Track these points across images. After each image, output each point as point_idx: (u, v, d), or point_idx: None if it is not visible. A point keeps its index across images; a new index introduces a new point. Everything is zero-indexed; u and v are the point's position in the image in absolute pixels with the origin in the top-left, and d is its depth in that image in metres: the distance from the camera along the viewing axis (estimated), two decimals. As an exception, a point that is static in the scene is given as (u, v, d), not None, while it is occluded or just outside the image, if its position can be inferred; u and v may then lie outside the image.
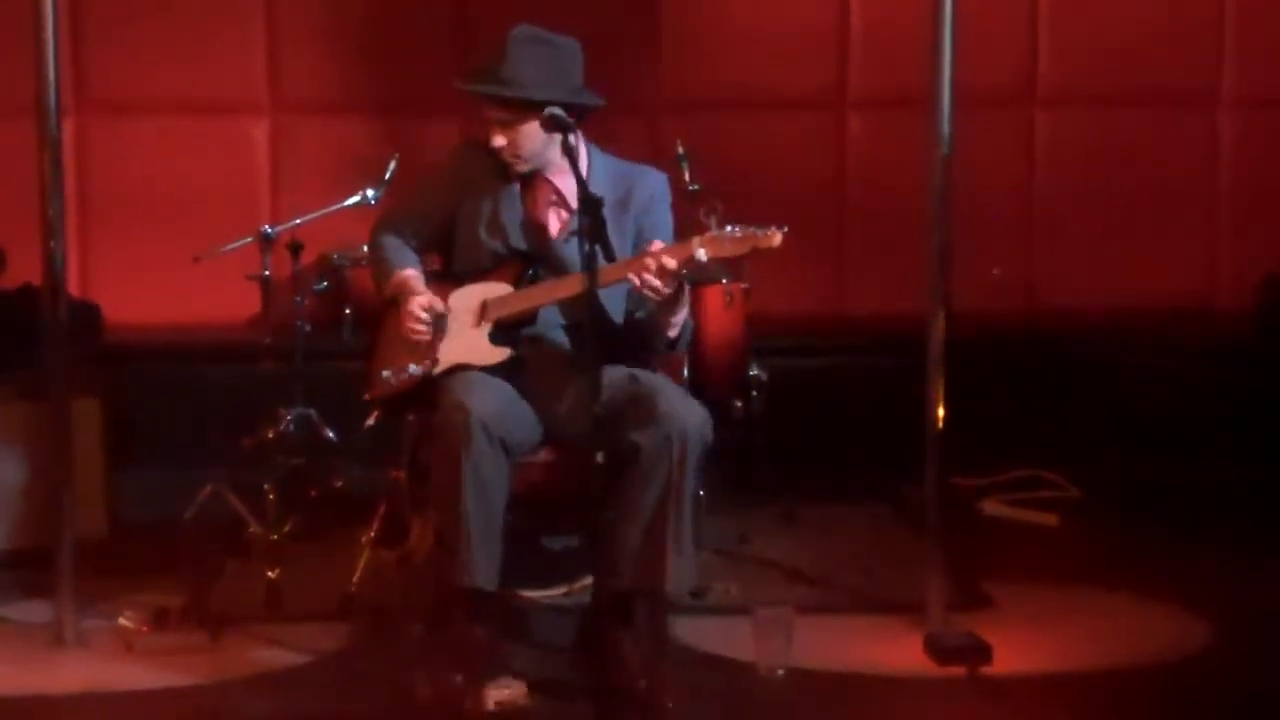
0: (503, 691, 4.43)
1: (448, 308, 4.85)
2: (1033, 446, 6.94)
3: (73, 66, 7.51)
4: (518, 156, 4.82)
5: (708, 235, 4.50)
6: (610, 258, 4.43)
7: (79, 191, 7.59)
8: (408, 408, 4.97)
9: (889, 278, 7.38)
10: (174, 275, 7.14)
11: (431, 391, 4.73)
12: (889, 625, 5.15)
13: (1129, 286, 7.89)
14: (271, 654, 4.94)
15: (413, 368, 4.84)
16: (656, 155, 6.70)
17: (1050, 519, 6.42)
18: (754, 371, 6.33)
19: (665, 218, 4.92)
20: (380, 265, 5.01)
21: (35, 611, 5.22)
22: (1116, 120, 7.98)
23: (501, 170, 4.92)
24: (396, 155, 6.43)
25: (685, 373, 5.90)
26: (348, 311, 7.20)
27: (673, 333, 4.74)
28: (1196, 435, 7.06)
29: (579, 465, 4.53)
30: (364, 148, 7.48)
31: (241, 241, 6.27)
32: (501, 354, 4.78)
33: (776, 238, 4.45)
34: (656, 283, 4.47)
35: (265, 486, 5.98)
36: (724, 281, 6.12)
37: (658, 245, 4.54)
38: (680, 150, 6.40)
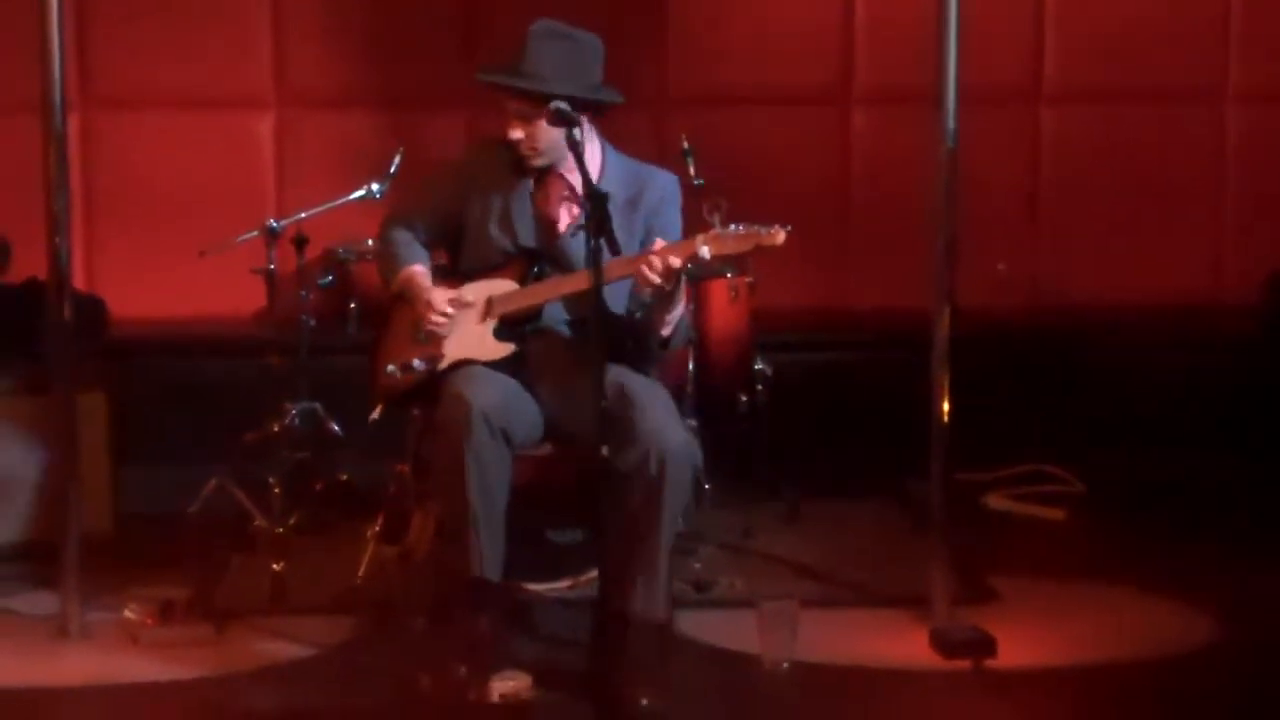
0: (507, 684, 4.43)
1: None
2: (1037, 441, 6.94)
3: (78, 62, 7.52)
4: (534, 150, 4.82)
5: (711, 233, 4.51)
6: (615, 252, 4.43)
7: (84, 186, 7.59)
8: (412, 402, 4.98)
9: (894, 273, 7.37)
10: (179, 269, 7.16)
11: (435, 386, 4.73)
12: (894, 619, 5.15)
13: (1134, 282, 7.89)
14: (276, 647, 4.95)
15: (417, 363, 4.85)
16: (661, 151, 6.72)
17: (1057, 514, 6.42)
18: (759, 366, 6.33)
19: (675, 219, 4.92)
20: (388, 260, 5.01)
21: (41, 604, 5.23)
22: (1122, 116, 7.98)
23: (514, 167, 4.92)
24: (401, 149, 6.43)
25: (690, 367, 5.91)
26: (353, 306, 7.22)
27: (666, 330, 4.74)
28: (1201, 431, 7.06)
29: (582, 459, 4.54)
30: (369, 142, 7.48)
31: (247, 236, 6.28)
32: (506, 349, 4.78)
33: (780, 236, 4.45)
34: (658, 280, 4.48)
35: (270, 480, 5.99)
36: (729, 276, 6.13)
37: (660, 243, 4.55)
38: (685, 145, 6.40)
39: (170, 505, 6.26)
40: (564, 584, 5.29)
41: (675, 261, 4.49)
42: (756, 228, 4.47)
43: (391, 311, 5.05)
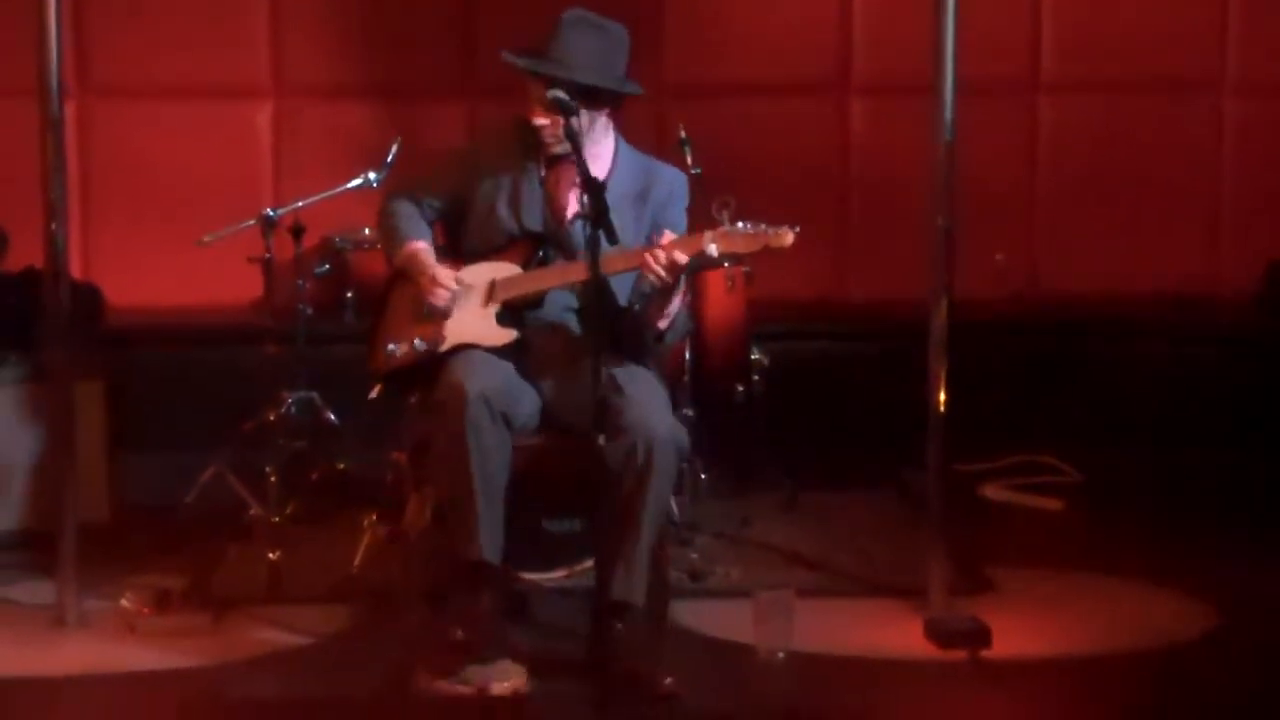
0: (504, 684, 4.43)
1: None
2: (1035, 432, 6.95)
3: (75, 49, 7.51)
4: (557, 136, 4.79)
5: (720, 230, 4.51)
6: (613, 241, 4.43)
7: (81, 174, 7.59)
8: (411, 386, 4.97)
9: (891, 263, 7.39)
10: (176, 258, 7.17)
11: (434, 369, 4.73)
12: (890, 609, 5.16)
13: (1131, 273, 7.89)
14: (273, 636, 4.95)
15: (418, 342, 4.84)
16: (659, 141, 6.72)
17: (1053, 504, 6.42)
18: (755, 356, 6.34)
19: (680, 217, 4.92)
20: (391, 232, 4.99)
21: (38, 593, 5.23)
22: (1119, 107, 7.98)
23: (525, 150, 4.91)
24: (399, 138, 6.43)
25: (687, 357, 5.91)
26: (349, 294, 7.23)
27: (663, 324, 4.74)
28: (1199, 421, 7.06)
29: (579, 448, 4.54)
30: (366, 131, 7.48)
31: (244, 224, 6.27)
32: (508, 335, 4.78)
33: (788, 237, 4.46)
34: (661, 273, 4.49)
35: (267, 469, 5.99)
36: (726, 266, 6.12)
37: (669, 236, 4.55)
38: (682, 135, 6.40)
39: (167, 494, 6.25)
40: (560, 573, 5.28)
41: (682, 258, 4.49)
42: (764, 228, 4.47)
43: (391, 289, 5.04)
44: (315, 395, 6.40)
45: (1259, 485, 6.59)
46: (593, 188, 4.37)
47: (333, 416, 6.40)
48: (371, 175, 6.25)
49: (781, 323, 7.01)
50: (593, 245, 4.32)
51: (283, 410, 6.29)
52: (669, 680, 4.42)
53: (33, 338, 5.71)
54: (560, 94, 4.63)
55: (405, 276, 4.95)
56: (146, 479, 6.32)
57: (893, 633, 4.96)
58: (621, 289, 4.79)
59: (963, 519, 5.34)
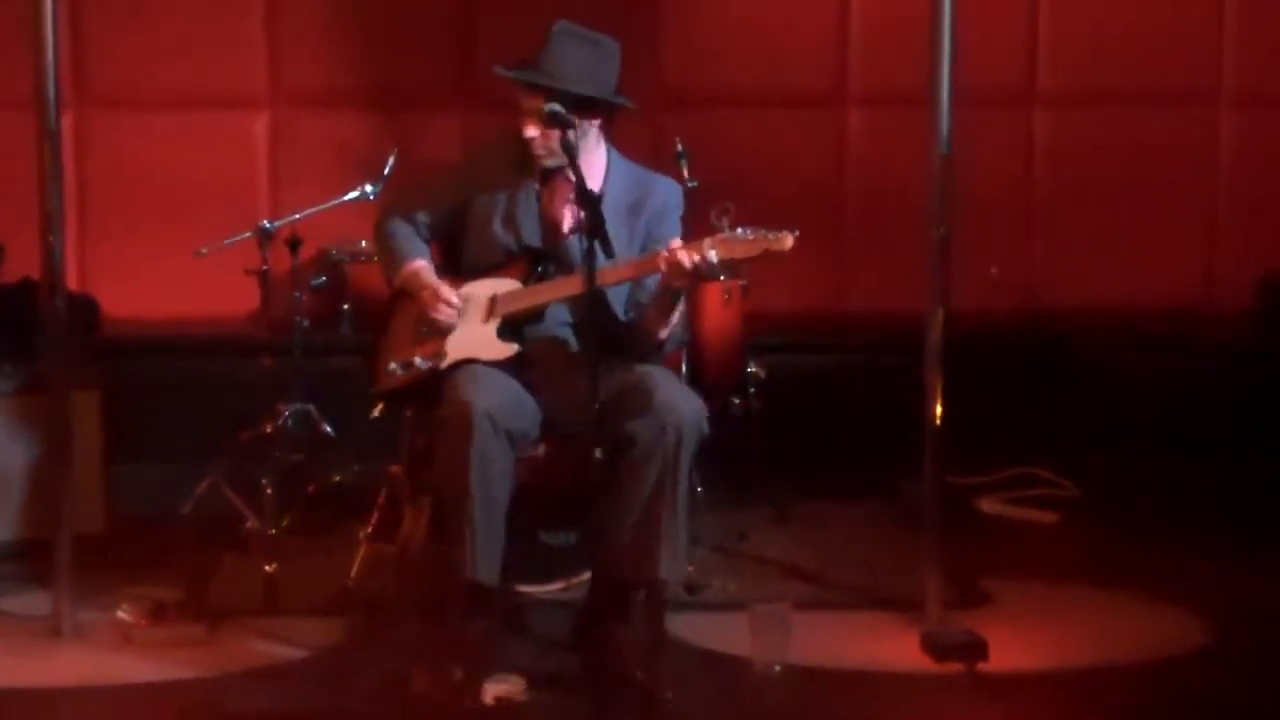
0: (501, 686, 4.43)
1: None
2: (1031, 444, 6.95)
3: (72, 60, 7.50)
4: (548, 149, 4.80)
5: (719, 237, 4.52)
6: (609, 254, 4.43)
7: (78, 185, 7.58)
8: (411, 402, 4.97)
9: (888, 275, 7.39)
10: (173, 269, 7.15)
11: (436, 385, 4.73)
12: (886, 622, 5.16)
13: (1127, 285, 7.89)
14: (268, 648, 4.94)
15: (419, 360, 4.84)
16: (656, 152, 6.71)
17: (1049, 517, 6.42)
18: (752, 368, 6.33)
19: (675, 228, 4.91)
20: (391, 253, 4.99)
21: (33, 604, 5.22)
22: (1116, 119, 7.98)
23: (519, 165, 4.91)
24: (395, 150, 6.44)
25: (683, 369, 5.91)
26: (346, 307, 7.22)
27: (663, 334, 4.75)
28: (1194, 434, 7.06)
29: (577, 460, 4.54)
30: (363, 143, 7.48)
31: (241, 236, 6.27)
32: (509, 350, 4.78)
33: (788, 241, 4.46)
34: (669, 274, 4.49)
35: (263, 481, 5.98)
36: (723, 279, 6.11)
37: (677, 243, 4.55)
38: (679, 147, 6.40)
39: (163, 505, 6.25)
40: (557, 586, 5.29)
41: (695, 258, 4.48)
42: (764, 233, 4.48)
43: (392, 308, 5.04)
44: (312, 407, 6.39)
45: (1255, 497, 6.59)
46: (589, 200, 4.37)
47: (329, 429, 6.40)
48: (369, 187, 6.26)
49: (778, 335, 7.01)
50: (588, 258, 4.32)
51: (279, 422, 6.29)
52: (669, 695, 4.42)
53: (29, 348, 5.71)
54: (556, 107, 4.64)
55: (406, 295, 4.95)
56: (142, 490, 6.32)
57: (889, 646, 4.95)
58: (617, 301, 4.79)
59: (959, 532, 5.33)
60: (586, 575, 5.02)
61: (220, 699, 4.59)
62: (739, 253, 4.50)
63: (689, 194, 6.06)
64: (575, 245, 4.76)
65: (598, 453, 4.32)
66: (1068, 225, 7.99)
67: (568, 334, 4.87)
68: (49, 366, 5.12)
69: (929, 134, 4.97)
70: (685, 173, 6.28)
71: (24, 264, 6.16)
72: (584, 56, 4.77)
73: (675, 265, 4.49)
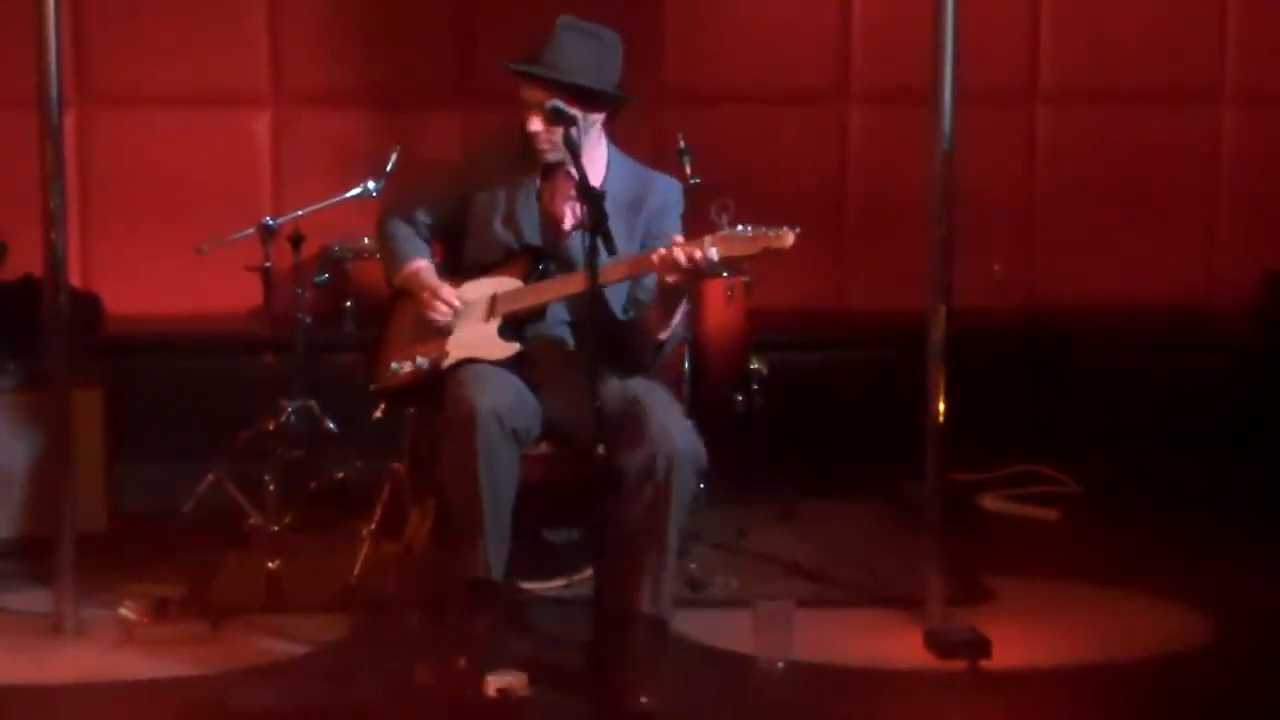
0: (504, 678, 4.43)
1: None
2: (1033, 442, 6.95)
3: (74, 57, 7.50)
4: (551, 144, 4.78)
5: (720, 234, 4.51)
6: (611, 251, 4.43)
7: (81, 183, 7.58)
8: (413, 400, 4.97)
9: (890, 273, 7.39)
10: (175, 266, 7.16)
11: (439, 384, 4.72)
12: (889, 619, 5.16)
13: (1129, 283, 7.89)
14: (271, 645, 4.95)
15: (421, 360, 4.84)
16: (658, 150, 6.72)
17: (1052, 514, 6.42)
18: (754, 365, 6.33)
19: (675, 226, 4.90)
20: (391, 254, 4.99)
21: (35, 601, 5.22)
22: (1118, 117, 7.97)
23: (520, 162, 4.90)
24: (398, 148, 6.44)
25: (685, 367, 5.91)
26: (349, 304, 7.21)
27: (663, 335, 4.74)
28: (1196, 431, 7.07)
29: (579, 458, 4.54)
30: (365, 140, 7.48)
31: (243, 233, 6.27)
32: (510, 349, 4.77)
33: (789, 238, 4.44)
34: (670, 273, 4.48)
35: (266, 478, 5.98)
36: (725, 276, 6.12)
37: (678, 239, 4.54)
38: (681, 144, 6.40)
39: (165, 502, 6.25)
40: (559, 583, 5.29)
41: (695, 255, 4.46)
42: (764, 229, 4.46)
43: (392, 308, 5.04)
44: (314, 404, 6.39)
45: (1257, 495, 6.59)
46: (591, 197, 4.36)
47: (331, 425, 6.40)
48: (371, 184, 6.25)
49: (780, 332, 7.01)
50: (590, 255, 4.31)
51: (281, 419, 6.29)
52: (644, 699, 4.40)
53: (31, 346, 5.70)
54: (559, 103, 4.64)
55: (406, 295, 4.95)
56: (145, 487, 6.32)
57: (892, 643, 4.96)
58: (615, 300, 4.78)
59: (961, 529, 5.34)
60: (588, 573, 5.02)
61: (223, 696, 4.60)
62: (739, 250, 4.49)
63: (691, 191, 6.08)
64: (576, 243, 4.76)
65: (600, 449, 4.31)
66: (1069, 223, 7.99)
67: (566, 333, 4.86)
68: (51, 364, 5.12)
69: (931, 132, 4.97)
70: (688, 170, 6.28)
71: (26, 261, 6.16)
72: (588, 50, 4.76)
73: (675, 263, 4.48)
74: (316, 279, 6.65)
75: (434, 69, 7.85)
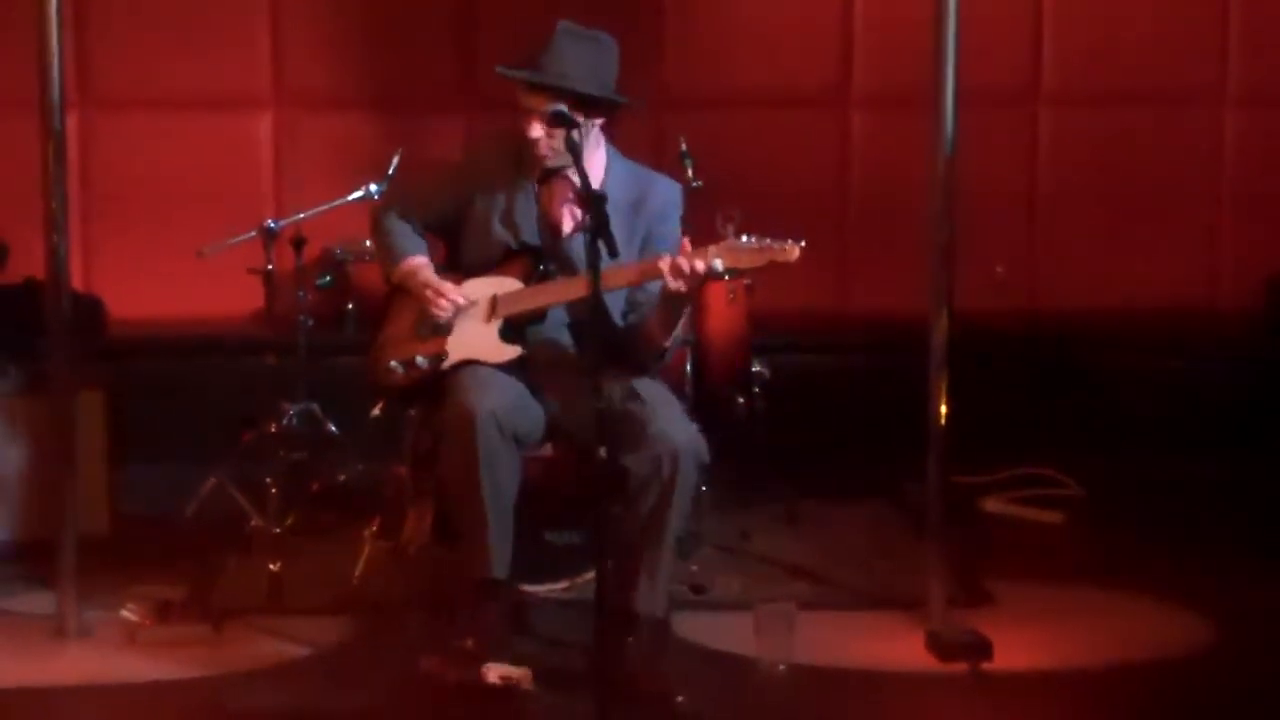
0: (508, 668, 4.43)
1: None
2: (1035, 444, 6.94)
3: (76, 61, 7.50)
4: (553, 149, 4.77)
5: (725, 244, 4.51)
6: (613, 254, 4.43)
7: (82, 186, 7.58)
8: (412, 400, 4.97)
9: (892, 275, 7.38)
10: (177, 269, 7.16)
11: (439, 386, 4.72)
12: (891, 621, 5.16)
13: (1131, 285, 7.89)
14: (273, 647, 4.95)
15: (421, 360, 4.84)
16: (659, 153, 6.72)
17: (1054, 517, 6.42)
18: (756, 368, 6.32)
19: (675, 228, 4.90)
20: (388, 250, 4.98)
21: (38, 603, 5.22)
22: (1120, 119, 7.98)
23: (517, 165, 4.90)
24: (400, 150, 6.44)
25: (687, 369, 5.91)
26: (350, 306, 7.23)
27: (666, 341, 4.74)
28: (1199, 434, 7.07)
29: (581, 460, 4.54)
30: (367, 143, 7.48)
31: (245, 236, 6.28)
32: (512, 352, 4.77)
33: (795, 252, 4.45)
34: (674, 282, 4.48)
35: (267, 480, 5.98)
36: (727, 279, 6.11)
37: (686, 247, 4.53)
38: (683, 148, 6.39)
39: (167, 505, 6.25)
40: (561, 585, 5.29)
41: (700, 266, 4.47)
42: (770, 242, 4.46)
43: (390, 305, 5.03)
44: (316, 406, 6.40)
45: (1260, 499, 6.59)
46: (593, 201, 4.36)
47: (333, 428, 6.41)
48: (373, 187, 6.25)
49: (783, 335, 7.01)
50: (592, 258, 4.31)
51: (283, 421, 6.29)
52: (680, 699, 4.42)
53: (33, 348, 5.70)
54: (562, 108, 4.63)
55: (404, 292, 4.94)
56: (147, 489, 6.32)
57: (894, 645, 4.96)
58: (615, 304, 4.78)
59: (963, 532, 5.35)
60: (590, 575, 5.01)
61: (225, 698, 4.60)
62: (744, 262, 4.49)
63: (693, 195, 6.08)
64: (574, 246, 4.76)
65: (602, 452, 4.30)
66: (1071, 225, 7.99)
67: (566, 335, 4.86)
68: (53, 367, 5.12)
69: (932, 134, 4.97)
70: (690, 174, 6.28)
71: (28, 264, 6.16)
72: (587, 55, 4.76)
73: (680, 272, 4.48)
74: (318, 281, 6.66)
75: (436, 72, 7.85)
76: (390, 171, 6.33)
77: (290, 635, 5.01)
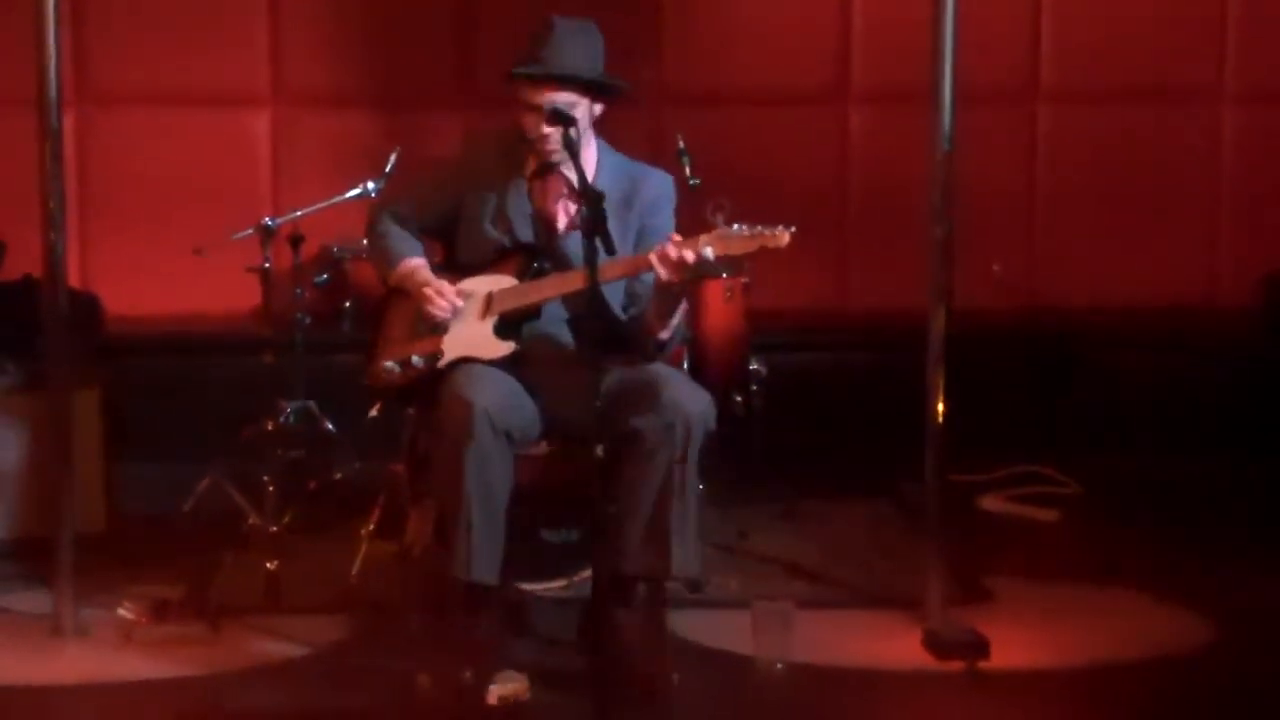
0: (505, 686, 4.43)
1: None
2: (1033, 443, 6.95)
3: (74, 58, 7.50)
4: (559, 144, 4.74)
5: (716, 233, 4.50)
6: (610, 251, 4.43)
7: (80, 183, 7.59)
8: (410, 399, 4.97)
9: (890, 273, 7.38)
10: (174, 267, 7.15)
11: (434, 384, 4.72)
12: (888, 620, 5.15)
13: (1130, 283, 7.89)
14: (270, 646, 4.94)
15: (416, 359, 4.83)
16: (657, 150, 6.72)
17: (1051, 515, 6.42)
18: (754, 366, 6.33)
19: (668, 220, 4.90)
20: (385, 252, 4.98)
21: (35, 602, 5.22)
22: (1118, 116, 7.98)
23: (510, 162, 4.90)
24: (398, 148, 6.43)
25: (685, 366, 5.91)
26: (348, 304, 7.23)
27: (664, 334, 4.73)
28: (1196, 432, 7.06)
29: (578, 459, 4.53)
30: (365, 140, 7.48)
31: (242, 233, 6.27)
32: (506, 348, 4.76)
33: (784, 238, 4.44)
34: (665, 271, 4.48)
35: (265, 478, 5.97)
36: (724, 276, 6.12)
37: (677, 237, 4.53)
38: (681, 145, 6.39)
39: (164, 503, 6.25)
40: (559, 584, 5.29)
41: (689, 256, 4.46)
42: (761, 229, 4.46)
43: (387, 306, 5.03)
44: (313, 404, 6.40)
45: (1258, 496, 6.59)
46: (591, 197, 4.36)
47: (331, 426, 6.40)
48: (370, 185, 6.24)
49: (780, 333, 7.01)
50: (589, 255, 4.31)
51: (281, 419, 6.29)
52: (676, 676, 4.42)
53: (30, 346, 5.70)
54: (559, 104, 4.63)
55: (401, 293, 4.94)
56: (144, 488, 6.32)
57: (891, 643, 4.95)
58: (613, 297, 4.78)
59: (961, 530, 5.34)
60: (588, 573, 5.02)
61: (222, 697, 4.60)
62: (735, 249, 4.49)
63: (691, 192, 6.08)
64: (569, 242, 4.77)
65: (599, 450, 4.30)
66: (1070, 223, 7.99)
67: (563, 331, 4.86)
68: (50, 364, 5.12)
69: (931, 131, 4.97)
70: (687, 171, 6.28)
71: (25, 262, 6.15)
72: (585, 44, 4.78)
73: (670, 262, 4.48)
74: (316, 279, 6.66)
75: (434, 69, 7.85)
76: (388, 169, 6.33)
77: (287, 634, 5.01)
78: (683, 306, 4.77)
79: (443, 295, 4.81)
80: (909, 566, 5.32)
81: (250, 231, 6.24)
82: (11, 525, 5.85)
